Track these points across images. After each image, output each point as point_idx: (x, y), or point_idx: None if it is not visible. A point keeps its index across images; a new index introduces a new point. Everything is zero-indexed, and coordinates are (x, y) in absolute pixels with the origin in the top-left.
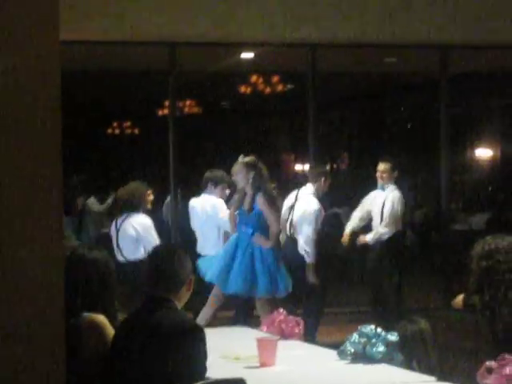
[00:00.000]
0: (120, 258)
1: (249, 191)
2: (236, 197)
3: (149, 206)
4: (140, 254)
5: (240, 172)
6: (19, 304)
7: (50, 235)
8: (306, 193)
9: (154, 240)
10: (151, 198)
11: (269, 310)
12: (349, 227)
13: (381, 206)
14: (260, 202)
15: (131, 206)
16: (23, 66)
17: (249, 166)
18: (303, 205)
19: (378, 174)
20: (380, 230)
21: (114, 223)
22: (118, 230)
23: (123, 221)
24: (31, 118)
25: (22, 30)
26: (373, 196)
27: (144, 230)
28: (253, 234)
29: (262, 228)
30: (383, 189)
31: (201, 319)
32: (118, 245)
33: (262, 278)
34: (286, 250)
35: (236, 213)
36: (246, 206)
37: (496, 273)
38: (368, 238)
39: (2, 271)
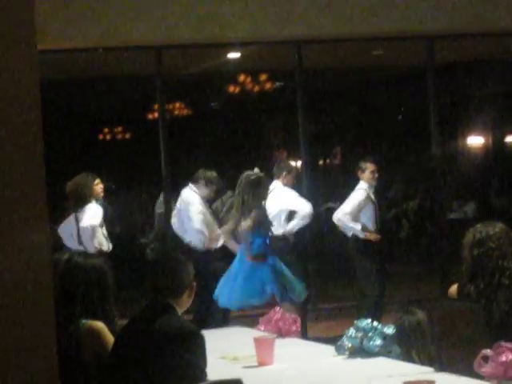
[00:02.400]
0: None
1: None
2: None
3: (100, 195)
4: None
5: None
6: (6, 309)
7: (36, 240)
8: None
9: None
10: (101, 186)
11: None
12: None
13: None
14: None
15: (79, 198)
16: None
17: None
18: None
19: (374, 175)
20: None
21: (70, 218)
22: (77, 226)
23: (78, 214)
24: (11, 130)
25: None
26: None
27: (86, 215)
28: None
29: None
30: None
31: None
32: (80, 240)
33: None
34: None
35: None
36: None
37: (489, 260)
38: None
39: None
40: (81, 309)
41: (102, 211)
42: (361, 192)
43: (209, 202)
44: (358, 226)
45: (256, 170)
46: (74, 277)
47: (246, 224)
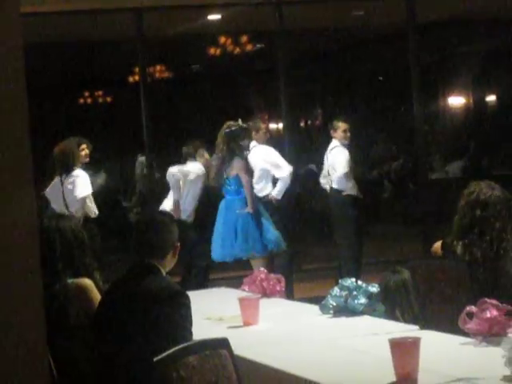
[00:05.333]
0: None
1: (227, 158)
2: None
3: (85, 160)
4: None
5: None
6: None
7: (21, 204)
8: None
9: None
10: (86, 152)
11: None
12: None
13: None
14: (237, 167)
15: (64, 163)
16: None
17: (227, 137)
18: None
19: (346, 134)
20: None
21: (56, 182)
22: (62, 189)
23: (63, 179)
24: None
25: None
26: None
27: (76, 185)
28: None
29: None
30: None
31: None
32: (65, 203)
33: (240, 241)
34: None
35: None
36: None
37: (490, 227)
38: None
39: None
40: (63, 267)
41: (89, 177)
42: (340, 149)
43: None
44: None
45: (239, 121)
46: (50, 238)
47: (230, 170)
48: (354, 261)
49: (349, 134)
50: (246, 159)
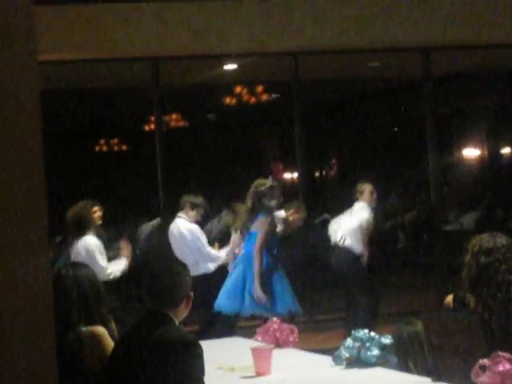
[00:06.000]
0: None
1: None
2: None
3: (97, 223)
4: None
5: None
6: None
7: (37, 264)
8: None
9: (97, 264)
10: (99, 214)
11: None
12: None
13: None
14: (258, 225)
15: (78, 227)
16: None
17: (254, 196)
18: None
19: (373, 195)
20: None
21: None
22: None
23: (73, 244)
24: (10, 141)
25: None
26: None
27: (87, 254)
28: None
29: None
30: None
31: None
32: None
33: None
34: None
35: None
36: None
37: (496, 272)
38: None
39: None
40: (78, 315)
41: (101, 244)
42: (366, 211)
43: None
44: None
45: (269, 179)
46: (66, 286)
47: (252, 226)
48: (370, 312)
49: (375, 195)
50: (270, 218)
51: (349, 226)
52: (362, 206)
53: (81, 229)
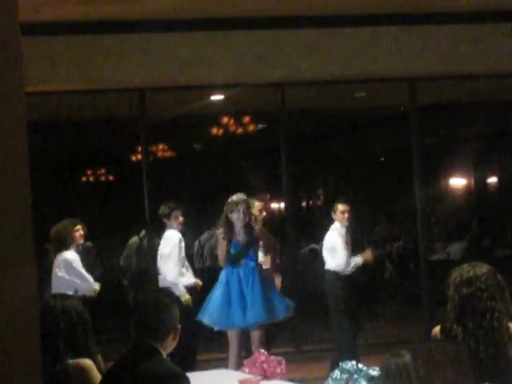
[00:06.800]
0: None
1: (240, 225)
2: (221, 233)
3: (80, 241)
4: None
5: (247, 208)
6: None
7: (23, 280)
8: None
9: (82, 275)
10: (80, 233)
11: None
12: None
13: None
14: (260, 233)
15: (60, 244)
16: None
17: (246, 203)
18: None
19: (344, 215)
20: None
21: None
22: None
23: (54, 258)
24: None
25: None
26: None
27: (66, 267)
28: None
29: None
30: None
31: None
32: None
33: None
34: None
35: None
36: (244, 239)
37: (478, 300)
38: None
39: None
40: (65, 347)
41: (78, 258)
42: (334, 231)
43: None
44: (357, 259)
45: (235, 196)
46: (54, 318)
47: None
48: (346, 344)
49: (347, 215)
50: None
51: (324, 248)
52: (334, 226)
53: (61, 244)
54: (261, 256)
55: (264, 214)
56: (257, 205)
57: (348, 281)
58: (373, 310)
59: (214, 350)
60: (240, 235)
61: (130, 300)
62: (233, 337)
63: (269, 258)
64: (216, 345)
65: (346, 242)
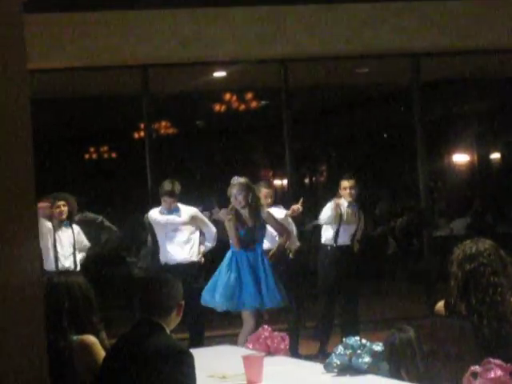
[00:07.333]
0: None
1: (246, 209)
2: (228, 216)
3: (60, 217)
4: None
5: (241, 192)
6: None
7: (27, 256)
8: None
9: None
10: (61, 209)
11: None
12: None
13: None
14: (266, 216)
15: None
16: None
17: (248, 186)
18: None
19: (346, 191)
20: None
21: None
22: None
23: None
24: (2, 149)
25: None
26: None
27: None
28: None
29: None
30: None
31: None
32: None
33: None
34: None
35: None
36: (251, 222)
37: (482, 275)
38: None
39: None
40: (69, 323)
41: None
42: (325, 208)
43: None
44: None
45: (235, 179)
46: (58, 294)
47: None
48: (322, 318)
49: (351, 191)
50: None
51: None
52: (330, 202)
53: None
54: (277, 239)
55: (269, 200)
56: (263, 190)
57: (340, 257)
58: (376, 287)
59: (219, 328)
60: (246, 219)
61: (134, 277)
62: (249, 317)
63: (284, 239)
64: (222, 321)
65: (347, 216)
